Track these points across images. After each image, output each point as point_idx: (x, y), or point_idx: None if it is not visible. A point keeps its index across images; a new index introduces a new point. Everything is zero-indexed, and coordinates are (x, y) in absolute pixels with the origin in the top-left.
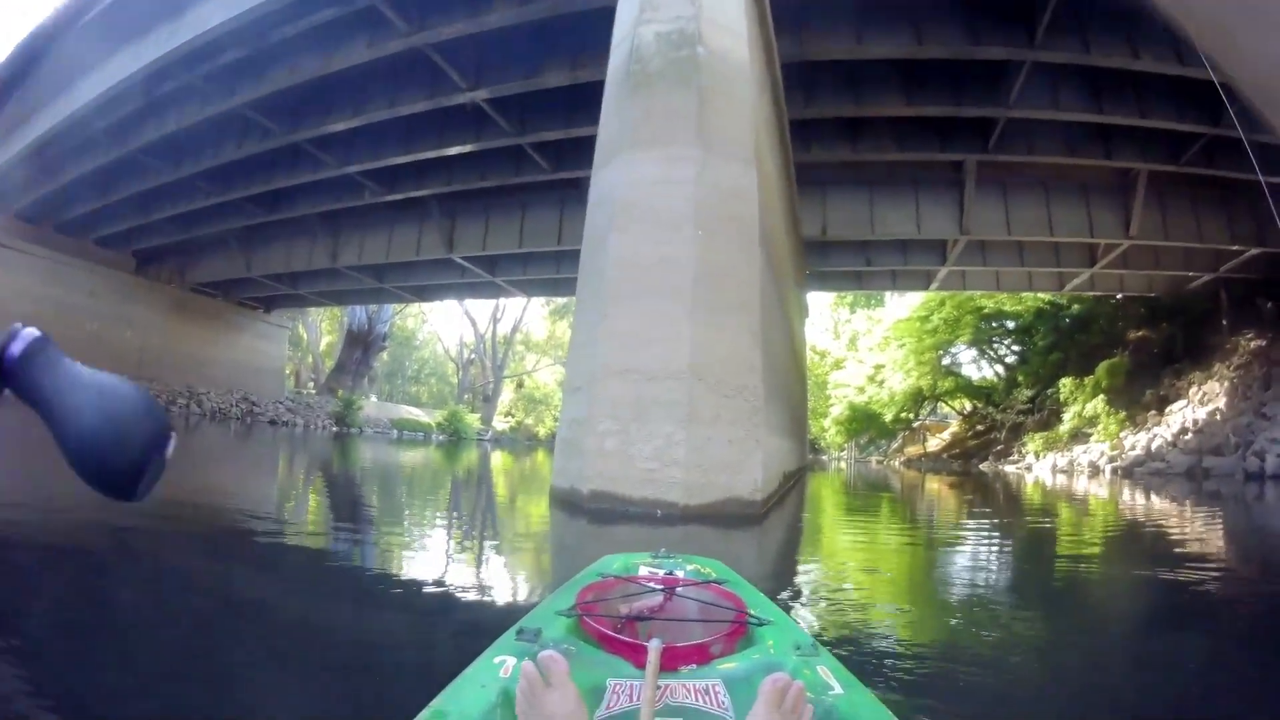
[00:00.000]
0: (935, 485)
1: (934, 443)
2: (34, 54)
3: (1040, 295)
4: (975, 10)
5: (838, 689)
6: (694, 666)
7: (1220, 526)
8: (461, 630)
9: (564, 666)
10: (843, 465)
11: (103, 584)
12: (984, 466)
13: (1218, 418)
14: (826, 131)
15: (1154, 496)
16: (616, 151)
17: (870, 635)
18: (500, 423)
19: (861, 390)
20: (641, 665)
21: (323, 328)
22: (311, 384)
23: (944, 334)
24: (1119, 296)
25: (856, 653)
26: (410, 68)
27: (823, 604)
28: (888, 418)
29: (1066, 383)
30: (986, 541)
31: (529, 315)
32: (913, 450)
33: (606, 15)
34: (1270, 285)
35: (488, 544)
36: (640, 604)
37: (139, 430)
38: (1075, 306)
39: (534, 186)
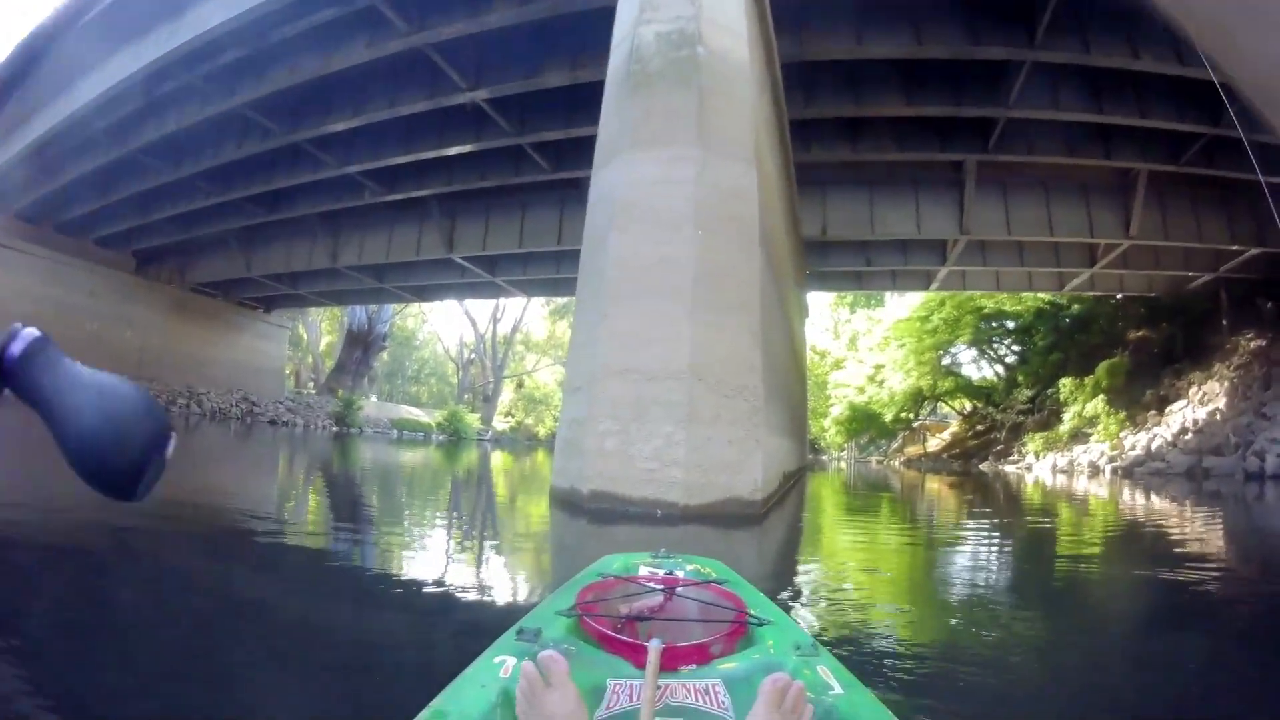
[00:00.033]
0: (935, 485)
1: (934, 443)
2: (34, 54)
3: (1040, 295)
4: (975, 10)
5: (838, 689)
6: (694, 666)
7: (1220, 526)
8: (461, 630)
9: (564, 666)
10: (843, 465)
11: (103, 584)
12: (984, 466)
13: (1218, 418)
14: (826, 131)
15: (1154, 496)
16: (616, 151)
17: (870, 635)
18: (500, 423)
19: (861, 390)
20: (641, 665)
21: (323, 328)
22: (311, 384)
23: (944, 334)
24: (1119, 296)
25: (857, 653)
26: (410, 68)
27: (823, 604)
28: (888, 418)
29: (1066, 383)
30: (986, 541)
31: (529, 315)
32: (913, 450)
33: (606, 15)
34: (1270, 285)
35: (488, 544)
36: (640, 604)
37: (139, 430)
38: (1075, 306)
39: (534, 186)
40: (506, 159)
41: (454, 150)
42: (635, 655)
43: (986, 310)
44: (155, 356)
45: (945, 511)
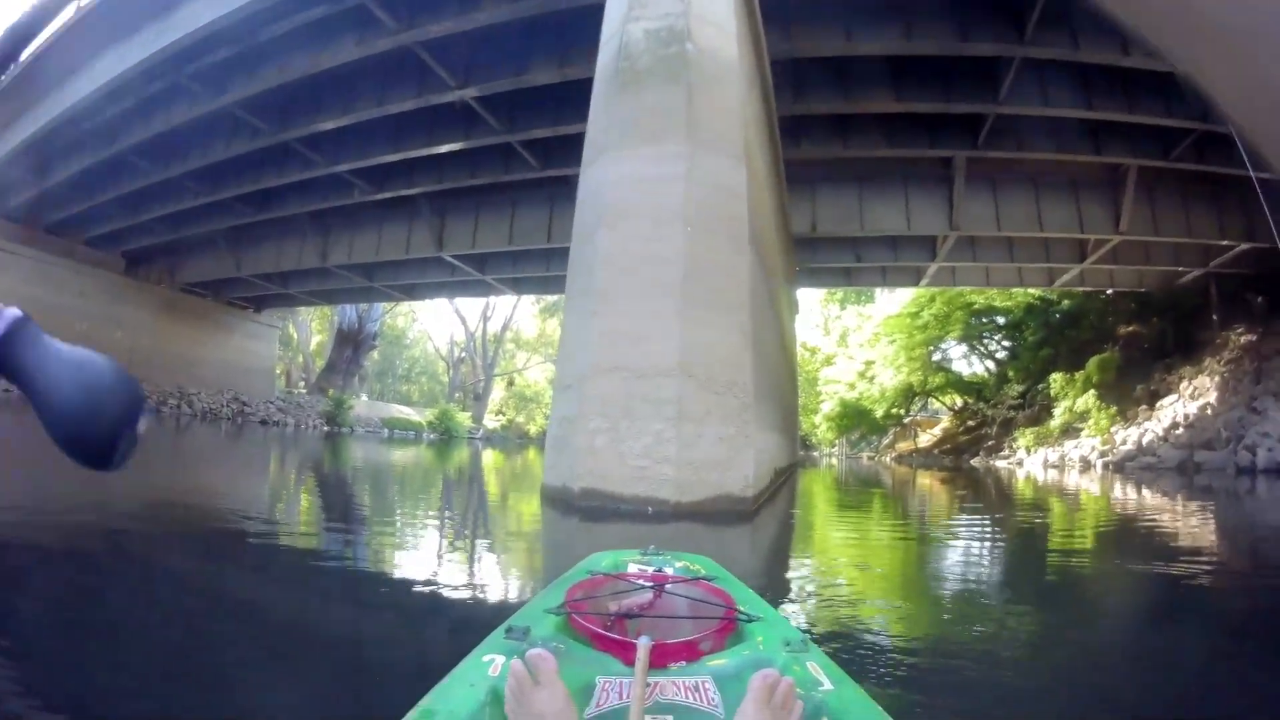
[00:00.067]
0: (926, 481)
1: (925, 438)
2: (23, 35)
3: (1030, 291)
4: (965, 6)
5: (827, 685)
6: (684, 663)
7: (1212, 521)
8: (452, 628)
9: (552, 665)
10: (834, 461)
11: (96, 584)
12: (975, 462)
13: (1209, 412)
14: (816, 127)
15: (1145, 491)
16: (605, 148)
17: (861, 631)
18: (491, 421)
19: (852, 386)
20: (631, 663)
21: (313, 327)
22: (302, 383)
23: (934, 330)
24: (1109, 292)
25: (848, 649)
26: (399, 66)
27: (815, 600)
28: (878, 414)
29: (1057, 378)
30: (978, 537)
31: (519, 313)
32: (904, 446)
33: (595, 12)
34: (1260, 280)
35: (479, 542)
36: (629, 601)
37: (114, 402)
38: (1065, 302)
39: (524, 184)
40: (496, 157)
41: (443, 148)
42: (624, 653)
43: (977, 306)
44: (145, 357)
45: (936, 507)
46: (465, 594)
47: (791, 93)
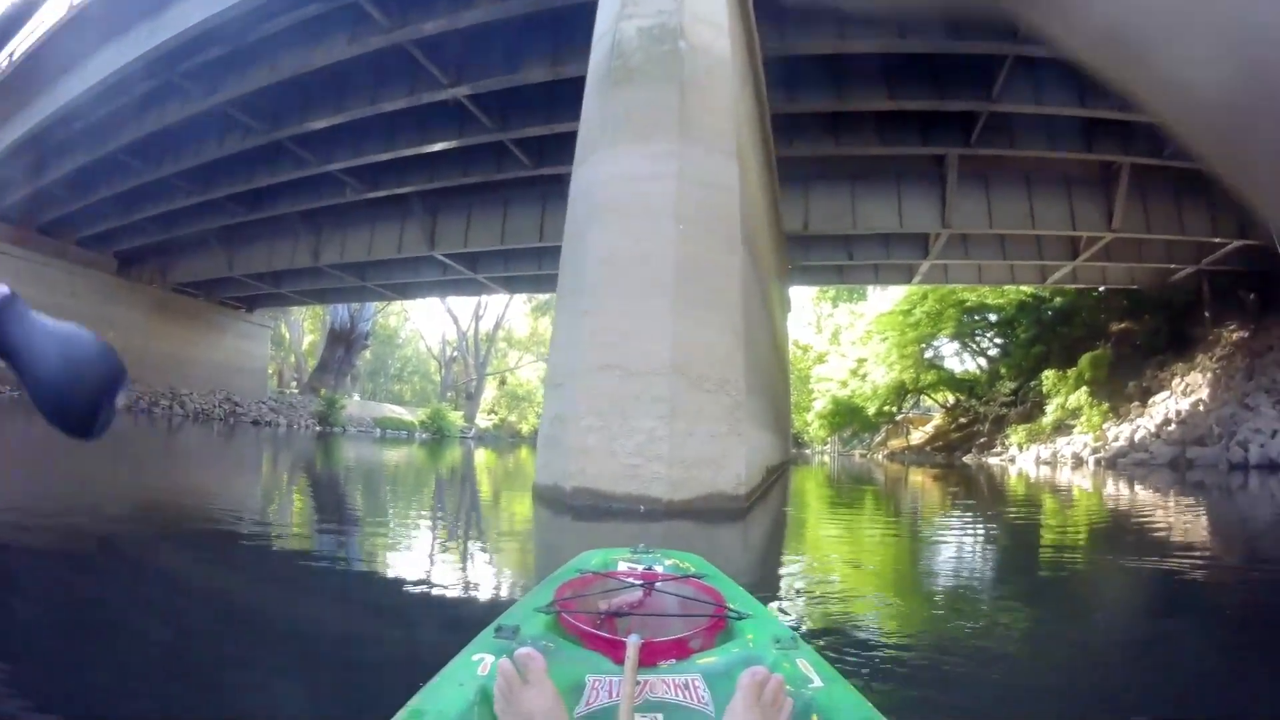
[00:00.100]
0: (919, 478)
1: (917, 436)
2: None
3: (1023, 288)
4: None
5: (817, 682)
6: (673, 661)
7: (1205, 516)
8: (442, 627)
9: (541, 664)
10: (826, 459)
11: (91, 584)
12: (967, 459)
13: (1201, 408)
14: (808, 125)
15: (1138, 487)
16: (598, 146)
17: (853, 628)
18: (483, 420)
19: (844, 384)
20: (620, 661)
21: (305, 327)
22: (294, 383)
23: (926, 327)
24: (1101, 289)
25: (838, 646)
26: (391, 64)
27: (807, 597)
28: (870, 411)
29: (1049, 375)
30: (970, 534)
31: (511, 312)
32: (896, 443)
33: (588, 10)
34: (1252, 277)
35: (471, 541)
36: (619, 600)
37: (95, 374)
38: (1058, 299)
39: (516, 183)
40: (488, 155)
41: (436, 147)
42: (614, 651)
43: (969, 303)
44: (137, 357)
45: (929, 504)
46: (456, 593)
47: (784, 90)
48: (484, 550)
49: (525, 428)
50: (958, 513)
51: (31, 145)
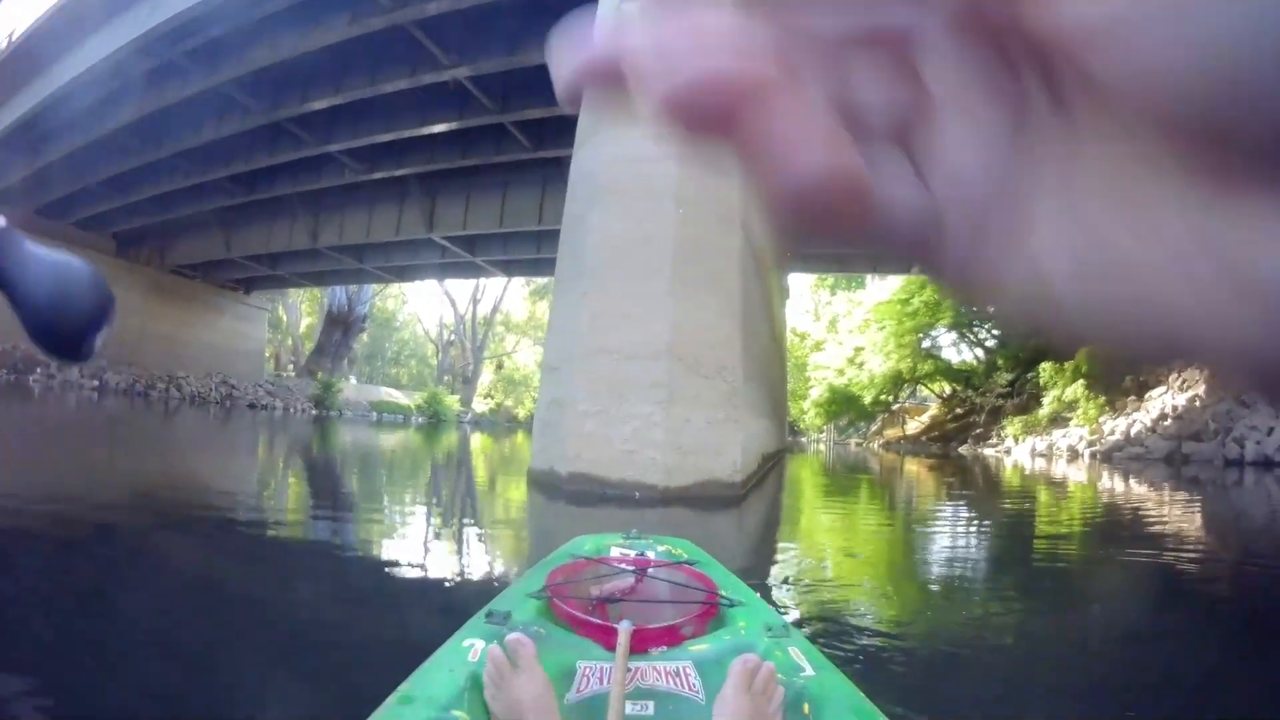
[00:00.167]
0: (914, 468)
1: (913, 426)
2: None
3: None
4: None
5: (809, 670)
6: (665, 648)
7: (1200, 512)
8: (434, 611)
9: (531, 650)
10: (822, 447)
11: (88, 569)
12: (963, 450)
13: (1197, 404)
14: None
15: (1133, 482)
16: (598, 128)
17: (845, 616)
18: (480, 404)
19: (841, 373)
20: (612, 647)
21: (302, 309)
22: (291, 366)
23: (924, 317)
24: None
25: (830, 634)
26: (392, 44)
27: (799, 585)
28: (867, 400)
29: (1046, 367)
30: (964, 524)
31: (509, 296)
32: (892, 433)
33: None
34: None
35: (464, 526)
36: (611, 586)
37: (84, 301)
38: None
39: (516, 165)
40: (488, 137)
41: (436, 128)
42: (605, 637)
43: None
44: (135, 339)
45: (924, 494)
46: (448, 577)
47: None
48: (477, 535)
49: (522, 412)
50: (952, 504)
51: (31, 127)
